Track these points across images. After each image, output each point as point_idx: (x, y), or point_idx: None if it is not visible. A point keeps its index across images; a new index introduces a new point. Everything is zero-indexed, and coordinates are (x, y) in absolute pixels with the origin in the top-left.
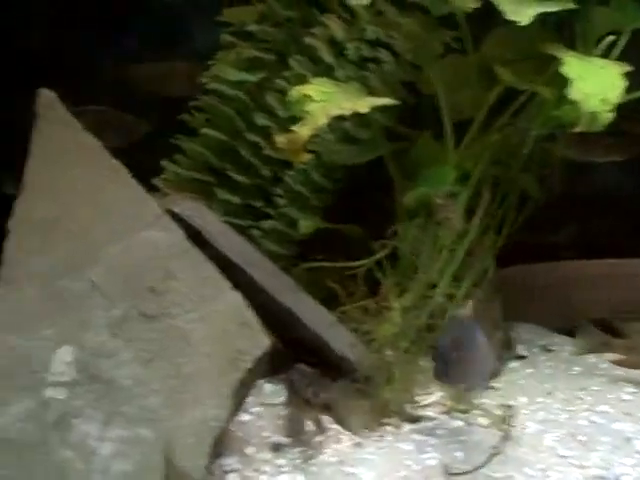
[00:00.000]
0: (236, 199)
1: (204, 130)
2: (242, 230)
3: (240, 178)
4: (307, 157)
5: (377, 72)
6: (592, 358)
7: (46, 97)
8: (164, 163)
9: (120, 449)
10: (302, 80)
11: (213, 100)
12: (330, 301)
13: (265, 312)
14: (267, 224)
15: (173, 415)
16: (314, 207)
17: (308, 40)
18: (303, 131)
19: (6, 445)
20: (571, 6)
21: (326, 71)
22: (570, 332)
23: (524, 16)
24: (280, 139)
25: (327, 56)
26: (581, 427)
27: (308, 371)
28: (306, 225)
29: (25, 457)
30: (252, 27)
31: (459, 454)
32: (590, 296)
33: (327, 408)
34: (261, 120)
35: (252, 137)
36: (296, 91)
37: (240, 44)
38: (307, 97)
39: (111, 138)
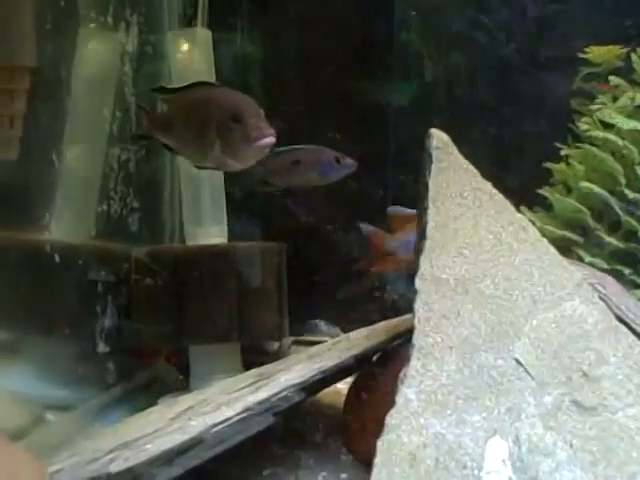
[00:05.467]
0: (602, 263)
1: (583, 184)
2: None
3: (611, 240)
4: None
5: None
6: None
7: (439, 139)
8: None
9: None
10: None
11: (592, 150)
12: None
13: None
14: (635, 294)
15: None
16: None
17: None
18: None
19: None
20: None
21: None
22: None
23: None
24: None
25: None
26: None
27: None
28: None
29: None
30: None
31: None
32: None
33: None
34: None
35: (632, 194)
36: None
37: (626, 87)
38: None
39: None
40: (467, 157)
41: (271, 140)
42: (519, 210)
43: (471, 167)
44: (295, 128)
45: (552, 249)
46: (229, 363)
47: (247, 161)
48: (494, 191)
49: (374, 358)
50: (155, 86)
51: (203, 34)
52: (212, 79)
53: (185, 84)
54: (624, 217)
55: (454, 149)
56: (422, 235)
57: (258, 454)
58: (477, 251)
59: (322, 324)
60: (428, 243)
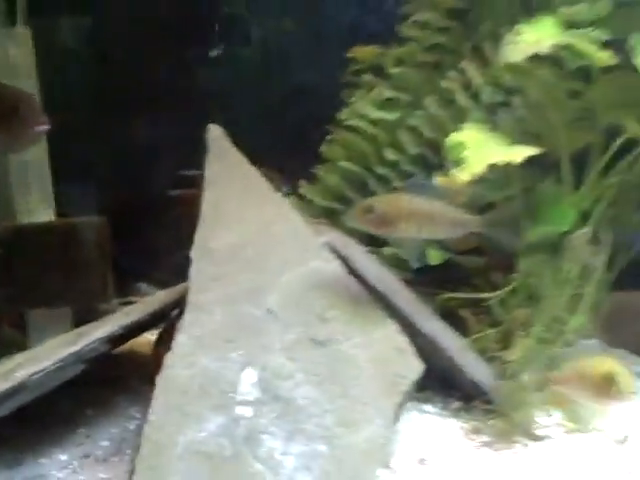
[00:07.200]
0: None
1: (342, 163)
2: None
3: None
4: (464, 199)
5: (508, 117)
6: None
7: (214, 132)
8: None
9: (302, 463)
10: (435, 120)
11: (350, 135)
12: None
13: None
14: (387, 251)
15: (346, 433)
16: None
17: (445, 83)
18: (463, 176)
19: (205, 458)
20: None
21: (459, 113)
22: None
23: None
24: (442, 180)
25: (462, 99)
26: None
27: None
28: (435, 255)
29: (221, 469)
30: (393, 69)
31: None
32: None
33: None
34: (391, 155)
35: (381, 170)
36: (453, 137)
37: (379, 83)
38: (463, 144)
39: None
40: (239, 146)
41: (45, 127)
42: (297, 185)
43: (242, 156)
44: (120, 110)
45: (303, 221)
46: (61, 325)
47: (26, 145)
48: (259, 175)
49: (173, 313)
50: None
51: (22, 33)
52: (32, 76)
53: None
54: (377, 189)
55: (227, 141)
56: (199, 214)
57: (82, 398)
58: (242, 225)
59: (144, 286)
60: (202, 221)
